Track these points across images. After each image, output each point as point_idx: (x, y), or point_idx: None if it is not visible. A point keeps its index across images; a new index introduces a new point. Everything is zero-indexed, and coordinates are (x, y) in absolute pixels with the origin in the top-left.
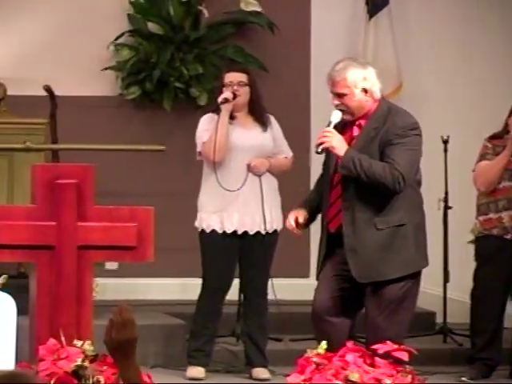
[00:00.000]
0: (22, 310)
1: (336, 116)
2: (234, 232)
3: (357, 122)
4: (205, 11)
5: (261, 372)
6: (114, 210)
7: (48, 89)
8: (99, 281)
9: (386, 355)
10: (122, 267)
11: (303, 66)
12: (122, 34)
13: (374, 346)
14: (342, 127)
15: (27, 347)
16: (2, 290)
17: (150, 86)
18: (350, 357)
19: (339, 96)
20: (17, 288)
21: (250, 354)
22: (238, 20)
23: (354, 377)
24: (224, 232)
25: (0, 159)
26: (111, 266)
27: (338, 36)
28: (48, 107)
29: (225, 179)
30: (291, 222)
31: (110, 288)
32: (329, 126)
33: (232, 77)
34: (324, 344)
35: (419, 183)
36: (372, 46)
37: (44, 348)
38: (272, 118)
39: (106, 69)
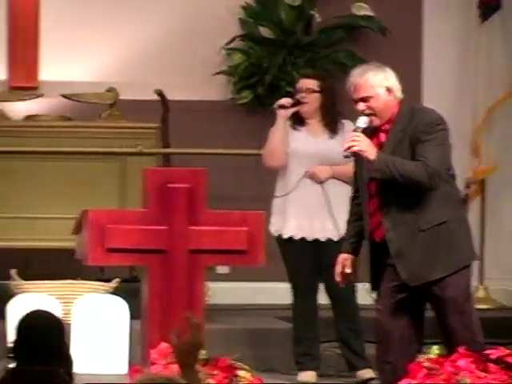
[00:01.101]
0: (134, 314)
1: (362, 121)
2: (303, 238)
3: (382, 128)
4: (317, 16)
5: (364, 372)
6: (226, 215)
7: (160, 93)
8: (210, 285)
9: (499, 361)
10: (234, 271)
11: (415, 70)
12: (234, 39)
13: (487, 351)
14: (369, 136)
15: (140, 351)
16: (115, 294)
17: (262, 90)
18: (462, 362)
19: (364, 100)
20: (130, 292)
21: (349, 359)
22: (349, 24)
23: (466, 382)
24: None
25: (112, 163)
26: (223, 269)
27: (450, 39)
28: (160, 111)
29: (283, 185)
30: (337, 278)
31: (221, 292)
32: (356, 131)
33: (302, 83)
34: (436, 349)
35: (454, 178)
36: (484, 49)
37: (156, 352)
38: (347, 125)
39: (217, 73)
